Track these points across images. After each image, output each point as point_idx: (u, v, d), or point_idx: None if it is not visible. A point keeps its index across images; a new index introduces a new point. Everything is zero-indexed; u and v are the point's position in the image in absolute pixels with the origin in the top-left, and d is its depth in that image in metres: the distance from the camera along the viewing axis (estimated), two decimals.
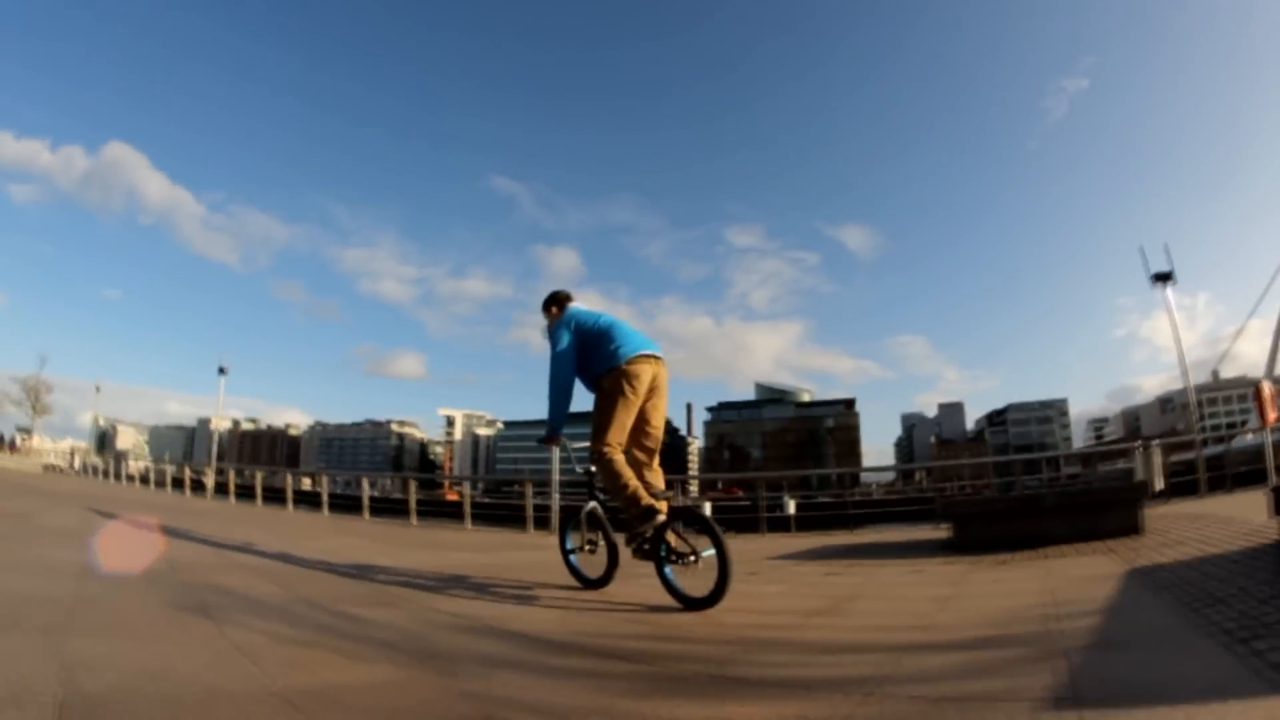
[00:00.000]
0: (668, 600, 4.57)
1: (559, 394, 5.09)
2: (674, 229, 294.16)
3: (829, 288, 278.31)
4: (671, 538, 4.64)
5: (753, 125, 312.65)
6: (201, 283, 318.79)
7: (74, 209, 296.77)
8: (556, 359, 5.06)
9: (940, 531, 9.99)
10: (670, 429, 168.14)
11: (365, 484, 19.81)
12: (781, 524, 19.46)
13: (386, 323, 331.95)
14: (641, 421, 5.01)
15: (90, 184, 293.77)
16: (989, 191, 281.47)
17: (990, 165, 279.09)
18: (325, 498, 18.60)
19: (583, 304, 5.49)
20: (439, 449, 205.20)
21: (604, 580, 5.21)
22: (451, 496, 23.77)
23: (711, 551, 4.38)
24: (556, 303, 5.49)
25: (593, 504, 5.26)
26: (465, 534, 13.47)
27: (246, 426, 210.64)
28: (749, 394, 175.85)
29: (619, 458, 4.82)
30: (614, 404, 4.86)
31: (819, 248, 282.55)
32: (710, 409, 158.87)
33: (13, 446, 54.15)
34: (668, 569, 4.64)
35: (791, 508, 19.68)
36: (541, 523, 14.70)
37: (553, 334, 5.15)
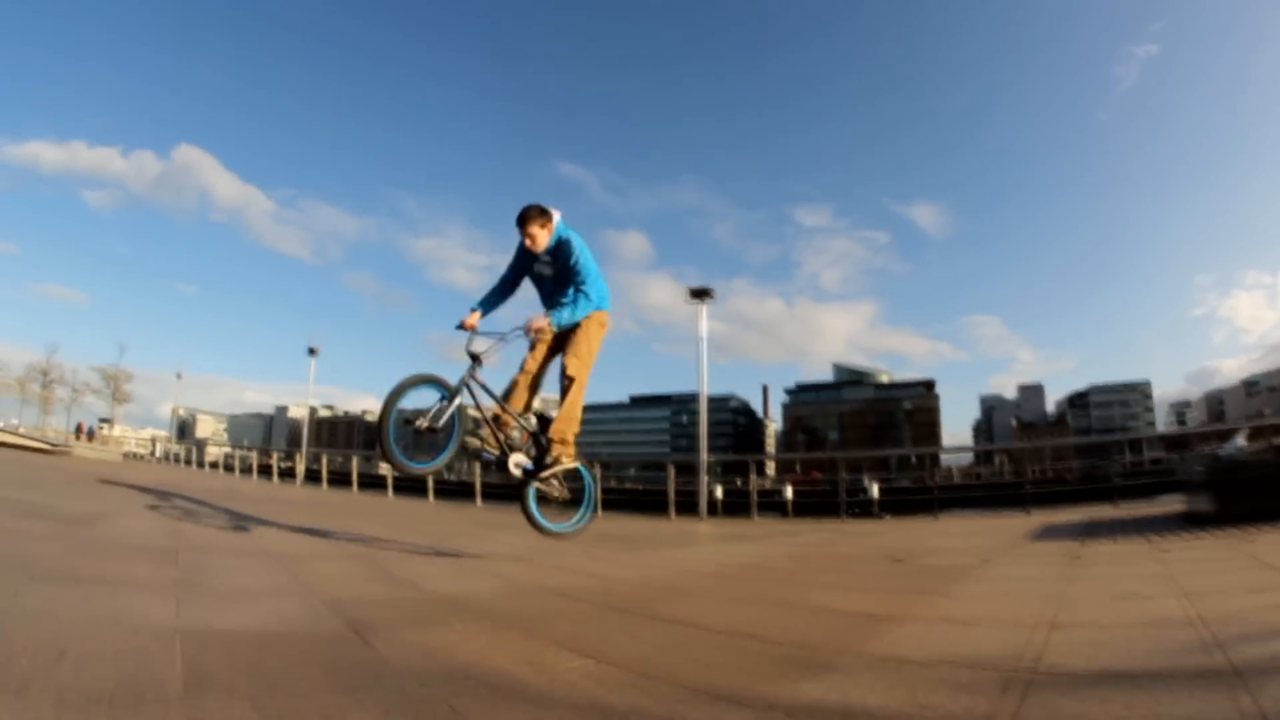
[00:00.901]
0: None
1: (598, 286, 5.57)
2: (741, 210, 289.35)
3: (900, 267, 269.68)
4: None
5: (818, 104, 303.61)
6: (275, 276, 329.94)
7: (147, 210, 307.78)
8: (597, 281, 5.52)
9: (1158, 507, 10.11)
10: (746, 411, 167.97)
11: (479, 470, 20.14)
12: (863, 508, 19.40)
13: (458, 310, 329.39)
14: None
15: (162, 186, 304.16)
16: (1060, 166, 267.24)
17: (1061, 138, 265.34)
18: (431, 483, 19.23)
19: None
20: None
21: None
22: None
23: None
24: (546, 213, 5.54)
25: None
26: (615, 523, 13.42)
27: (324, 414, 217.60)
28: (823, 376, 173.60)
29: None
30: (599, 342, 5.56)
31: (889, 226, 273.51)
32: (788, 391, 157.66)
33: (91, 435, 53.01)
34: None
35: (875, 491, 19.81)
36: (687, 507, 15.44)
37: (580, 246, 5.45)
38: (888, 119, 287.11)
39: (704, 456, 18.37)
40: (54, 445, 21.14)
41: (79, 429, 56.83)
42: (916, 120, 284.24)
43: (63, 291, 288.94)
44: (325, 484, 23.36)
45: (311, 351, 35.50)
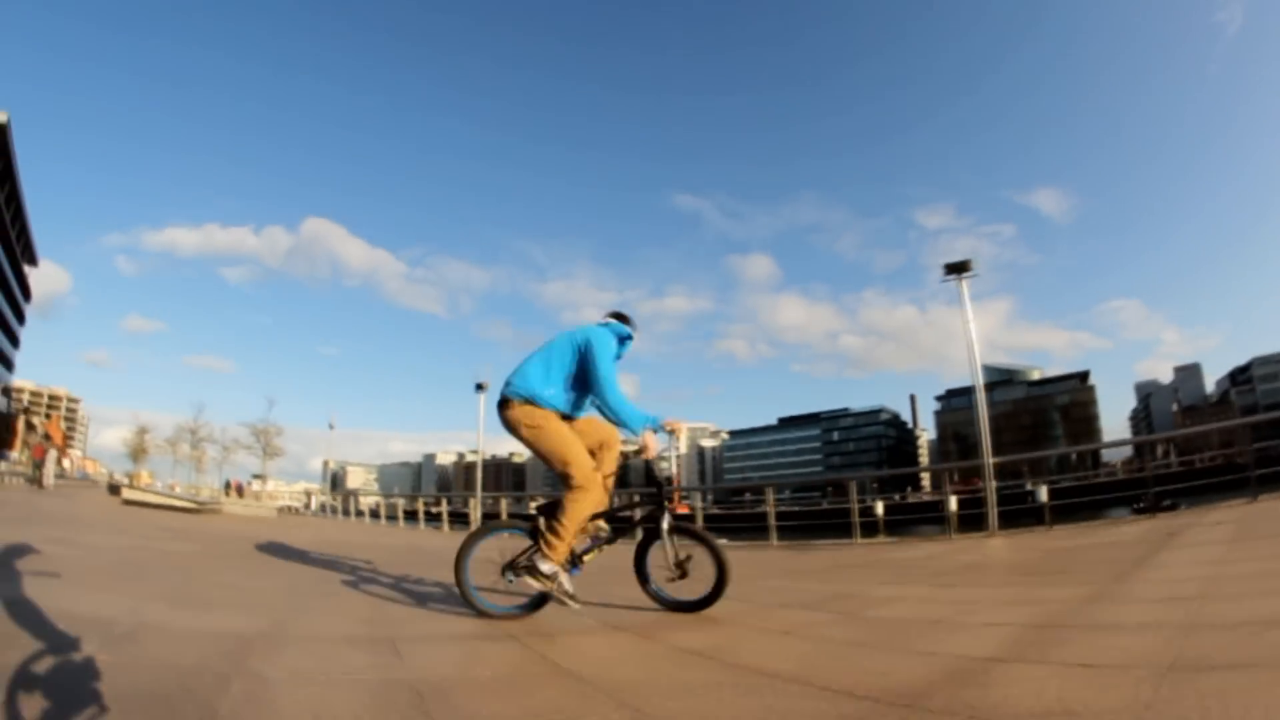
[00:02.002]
0: None
1: (624, 399, 5.04)
2: (861, 219, 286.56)
3: (1029, 259, 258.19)
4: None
5: (920, 100, 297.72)
6: (412, 332, 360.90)
7: (284, 281, 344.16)
8: (609, 372, 4.97)
9: None
10: (897, 423, 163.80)
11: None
12: (1034, 514, 18.43)
13: None
14: None
15: (295, 257, 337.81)
16: (1178, 129, 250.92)
17: (1172, 99, 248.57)
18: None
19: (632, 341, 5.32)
20: (664, 464, 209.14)
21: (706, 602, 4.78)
22: (682, 509, 24.48)
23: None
24: (617, 317, 5.32)
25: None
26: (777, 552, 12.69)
27: (471, 458, 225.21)
28: (964, 381, 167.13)
29: None
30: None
31: (1013, 218, 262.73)
32: (938, 398, 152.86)
33: (241, 491, 53.13)
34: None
35: (1043, 494, 19.34)
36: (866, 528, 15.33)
37: (603, 340, 4.97)
38: (993, 106, 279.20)
39: (989, 460, 16.53)
40: (203, 504, 21.61)
41: (228, 485, 58.06)
42: (1022, 102, 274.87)
43: (212, 361, 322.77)
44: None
45: (479, 388, 36.42)
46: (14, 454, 26.90)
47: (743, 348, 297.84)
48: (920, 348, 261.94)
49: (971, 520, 16.50)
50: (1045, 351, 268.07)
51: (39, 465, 29.00)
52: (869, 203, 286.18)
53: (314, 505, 41.16)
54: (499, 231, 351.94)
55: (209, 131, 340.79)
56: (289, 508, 41.93)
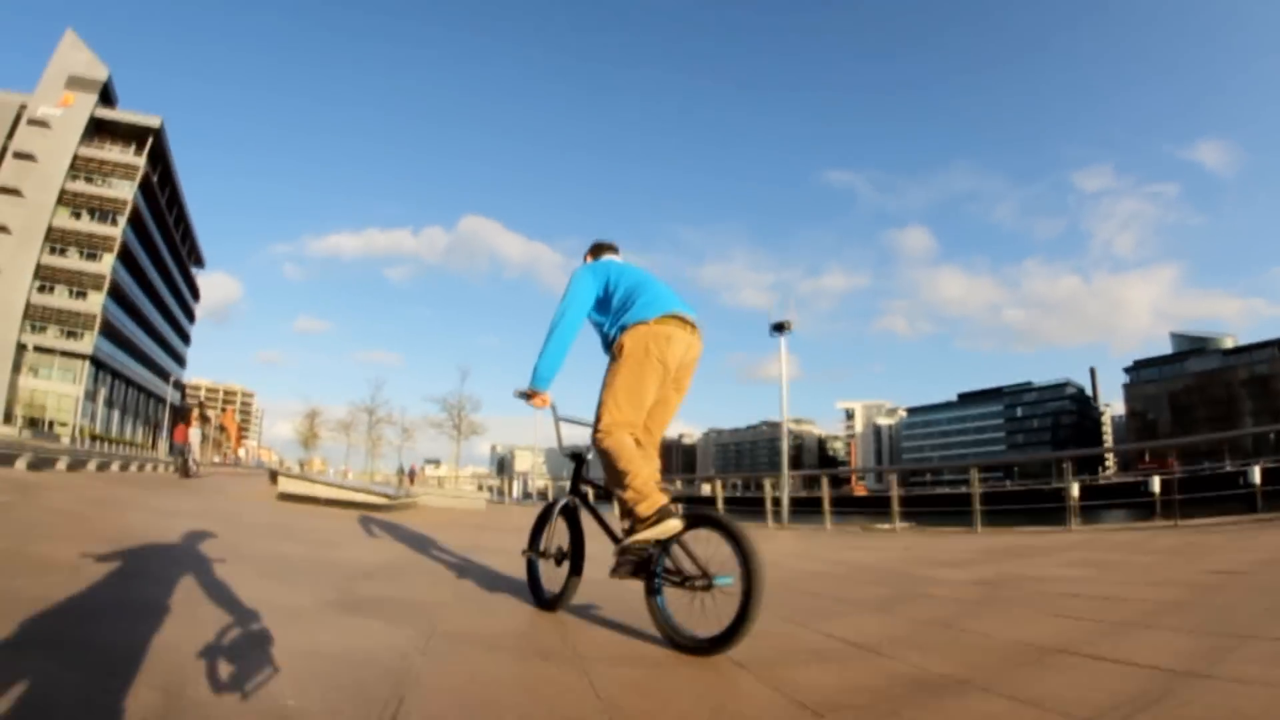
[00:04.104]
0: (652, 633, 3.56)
1: (550, 343, 3.97)
2: (1017, 185, 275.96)
3: (1196, 219, 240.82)
4: (678, 551, 3.51)
5: (1071, 54, 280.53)
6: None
7: (444, 276, 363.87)
8: (566, 299, 4.02)
9: None
10: (1080, 397, 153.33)
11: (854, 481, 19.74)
12: (1245, 500, 16.29)
13: (753, 330, 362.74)
14: (656, 403, 3.91)
15: (454, 254, 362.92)
16: None
17: None
18: (785, 503, 19.06)
19: (624, 259, 4.50)
20: (838, 444, 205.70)
21: (556, 600, 4.21)
22: (859, 491, 22.89)
23: (728, 579, 3.18)
24: (593, 251, 4.56)
25: (573, 497, 4.32)
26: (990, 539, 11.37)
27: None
28: (1133, 354, 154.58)
29: (628, 441, 3.69)
30: (632, 370, 3.76)
31: (1176, 175, 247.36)
32: (1127, 369, 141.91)
33: (412, 476, 49.40)
34: (662, 594, 3.56)
35: (1256, 475, 16.91)
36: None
37: (573, 276, 4.15)
38: (1149, 54, 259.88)
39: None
40: (392, 497, 15.23)
41: (402, 471, 53.60)
42: (1179, 46, 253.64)
43: (380, 355, 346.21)
44: None
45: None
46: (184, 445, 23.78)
47: (902, 324, 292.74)
48: (1086, 319, 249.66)
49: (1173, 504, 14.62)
50: (1217, 320, 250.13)
51: (181, 452, 24.58)
52: (1024, 167, 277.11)
53: (517, 492, 38.17)
54: (654, 219, 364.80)
55: (364, 141, 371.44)
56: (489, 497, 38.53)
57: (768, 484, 19.31)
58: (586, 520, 4.22)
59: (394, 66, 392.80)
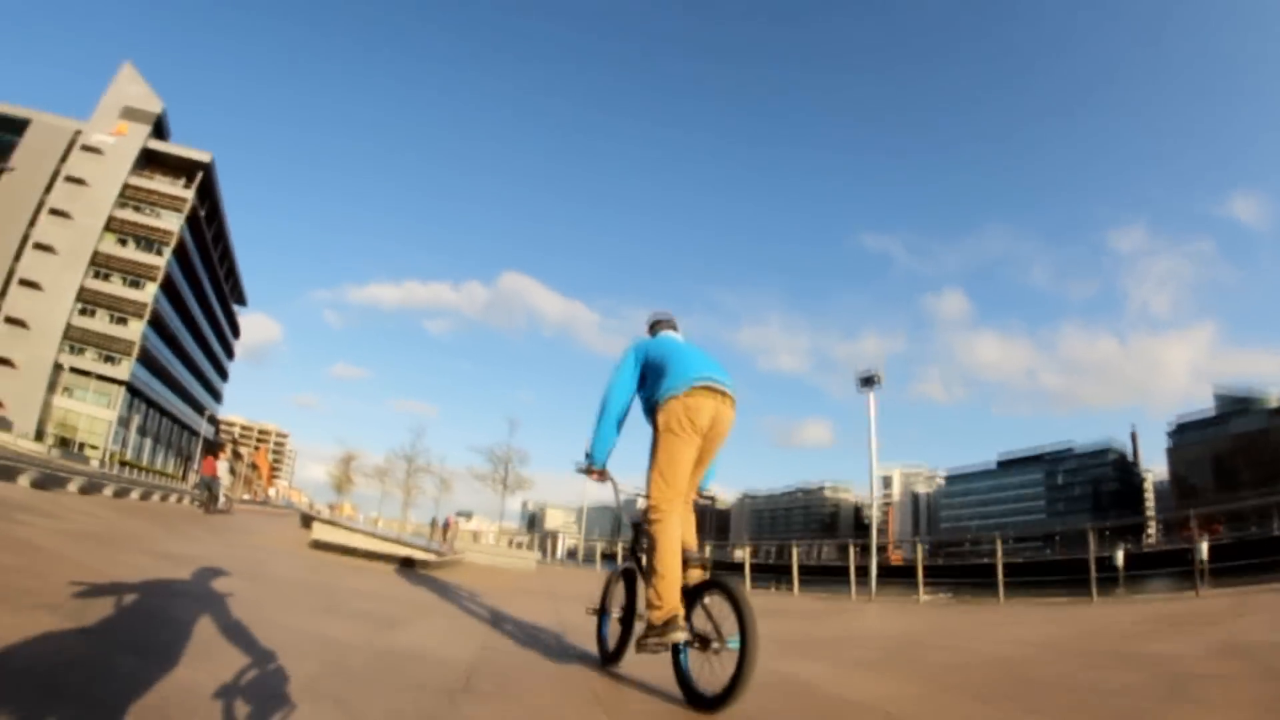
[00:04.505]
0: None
1: (600, 424, 4.36)
2: (1050, 247, 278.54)
3: (1232, 276, 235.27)
4: (698, 616, 3.84)
5: (1101, 112, 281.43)
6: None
7: (482, 332, 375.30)
8: (611, 381, 4.41)
9: None
10: (1120, 463, 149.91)
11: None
12: None
13: (788, 394, 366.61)
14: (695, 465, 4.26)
15: (493, 310, 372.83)
16: None
17: None
18: (874, 574, 18.40)
19: (679, 336, 4.81)
20: (872, 511, 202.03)
21: (614, 657, 4.57)
22: (895, 560, 22.35)
23: (736, 643, 3.46)
24: (650, 328, 4.89)
25: (632, 562, 4.54)
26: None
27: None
28: (1171, 414, 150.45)
29: (669, 532, 3.98)
30: (668, 446, 4.08)
31: (1210, 232, 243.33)
32: (1170, 434, 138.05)
33: (446, 528, 47.40)
34: (685, 654, 3.87)
35: None
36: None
37: (620, 356, 4.53)
38: (1176, 110, 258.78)
39: None
40: (438, 553, 14.07)
41: (444, 524, 50.40)
42: (1208, 103, 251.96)
43: (416, 406, 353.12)
44: None
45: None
46: (211, 477, 21.84)
47: (938, 390, 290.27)
48: (1124, 380, 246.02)
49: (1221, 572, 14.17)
50: (1258, 377, 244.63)
51: (208, 485, 22.74)
52: (1057, 228, 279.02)
53: (560, 551, 38.26)
54: (690, 280, 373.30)
55: (406, 192, 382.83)
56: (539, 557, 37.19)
57: (794, 551, 19.53)
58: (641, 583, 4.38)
59: (437, 117, 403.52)
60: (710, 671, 3.60)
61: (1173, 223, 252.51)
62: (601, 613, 4.85)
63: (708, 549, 21.07)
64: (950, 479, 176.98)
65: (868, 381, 21.13)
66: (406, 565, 12.08)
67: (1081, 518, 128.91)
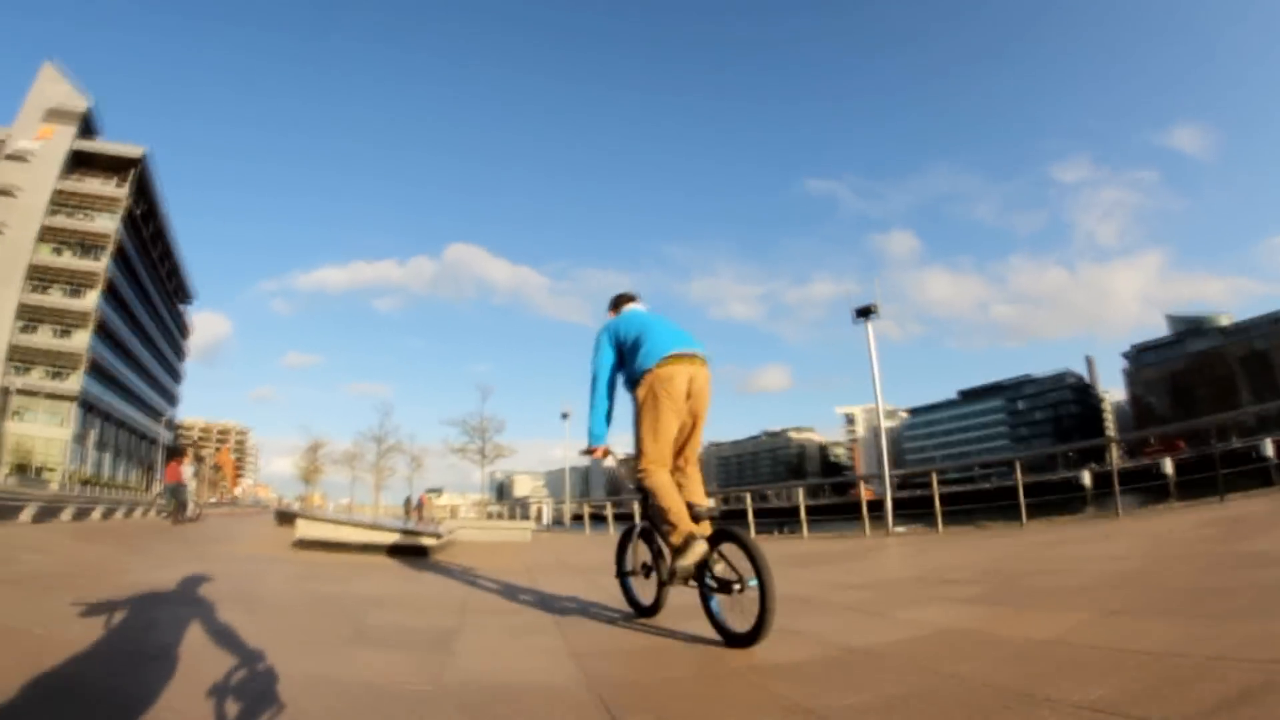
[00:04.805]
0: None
1: (593, 406, 4.86)
2: (995, 182, 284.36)
3: (1177, 204, 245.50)
4: (717, 564, 4.22)
5: (1040, 46, 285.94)
6: (560, 341, 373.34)
7: (432, 305, 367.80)
8: (593, 365, 4.90)
9: None
10: (1079, 387, 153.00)
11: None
12: (1260, 476, 16.07)
13: (743, 342, 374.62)
14: (684, 429, 4.71)
15: (441, 283, 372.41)
16: None
17: None
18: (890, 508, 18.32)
19: (643, 306, 5.29)
20: (840, 450, 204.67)
21: (653, 609, 5.03)
22: (868, 496, 22.63)
23: (755, 581, 3.88)
24: (613, 306, 5.31)
25: (645, 522, 4.94)
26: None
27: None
28: (1123, 341, 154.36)
29: (661, 478, 4.49)
30: (650, 413, 4.54)
31: (1154, 162, 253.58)
32: (1126, 355, 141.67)
33: (420, 508, 46.33)
34: (714, 600, 4.32)
35: (1269, 449, 16.53)
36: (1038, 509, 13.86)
37: (595, 341, 5.00)
38: (1119, 40, 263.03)
39: None
40: (437, 536, 12.35)
41: (417, 503, 49.12)
42: (1147, 31, 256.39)
43: (370, 387, 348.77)
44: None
45: (564, 416, 36.91)
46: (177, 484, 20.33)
47: (892, 328, 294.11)
48: (1075, 310, 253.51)
49: (1192, 486, 14.43)
50: (1204, 303, 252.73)
51: (174, 493, 20.58)
52: (1001, 163, 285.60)
53: (546, 517, 37.47)
54: (639, 237, 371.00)
55: (344, 173, 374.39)
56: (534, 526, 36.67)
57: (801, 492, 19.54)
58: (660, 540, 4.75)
59: (368, 96, 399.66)
60: (740, 611, 4.01)
61: (1117, 153, 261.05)
62: (624, 574, 5.24)
63: (712, 500, 21.26)
64: (914, 412, 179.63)
65: (864, 313, 20.90)
66: (405, 554, 11.34)
67: (1044, 442, 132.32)
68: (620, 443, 4.98)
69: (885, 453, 20.55)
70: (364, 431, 72.27)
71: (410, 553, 11.37)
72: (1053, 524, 12.88)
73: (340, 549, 11.51)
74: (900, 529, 15.42)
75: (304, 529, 12.36)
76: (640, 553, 5.09)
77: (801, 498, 19.06)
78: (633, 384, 4.68)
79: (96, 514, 18.80)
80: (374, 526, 12.94)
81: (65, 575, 7.06)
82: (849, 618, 5.12)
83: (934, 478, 14.23)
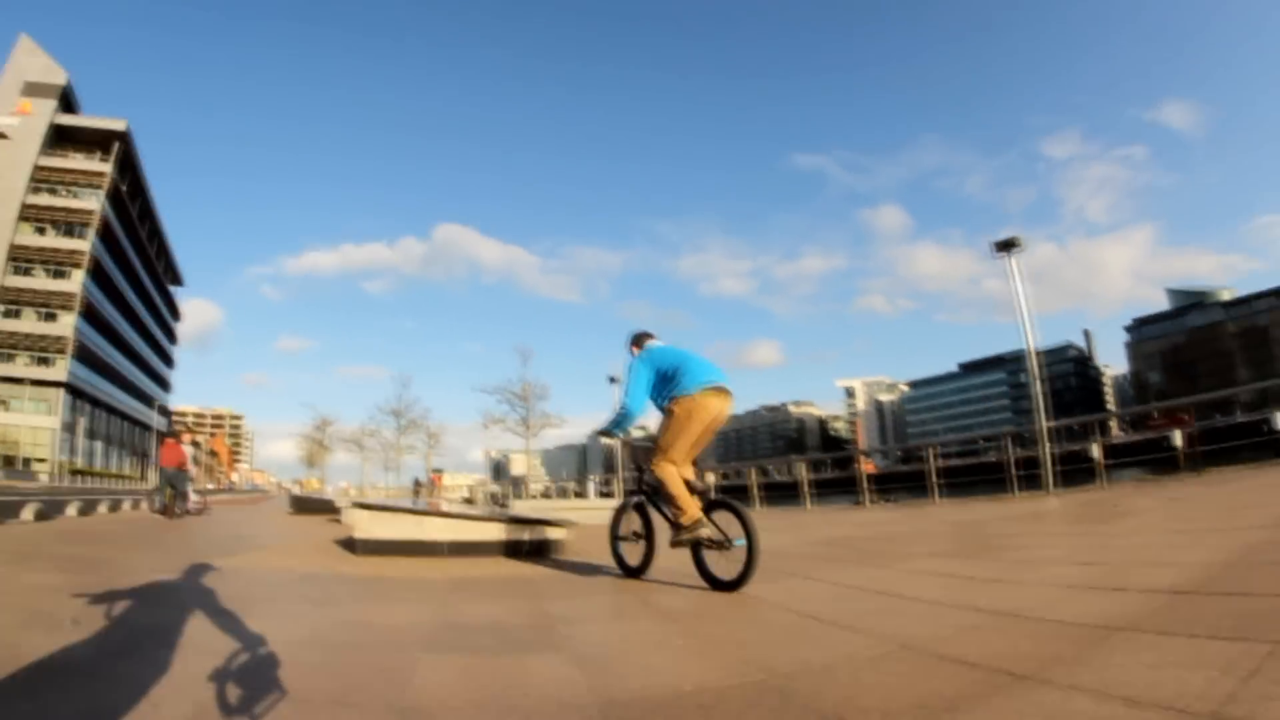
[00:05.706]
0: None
1: (623, 418, 5.96)
2: (986, 158, 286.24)
3: (1167, 180, 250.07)
4: (705, 529, 5.38)
5: (1030, 22, 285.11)
6: (554, 320, 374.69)
7: (423, 287, 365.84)
8: (631, 391, 5.80)
9: None
10: (1081, 361, 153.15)
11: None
12: (1270, 448, 16.74)
13: (733, 317, 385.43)
14: (696, 443, 5.76)
15: (431, 263, 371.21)
16: None
17: None
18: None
19: (660, 342, 6.20)
20: (839, 424, 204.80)
21: (640, 569, 6.03)
22: (869, 469, 22.54)
23: (743, 541, 5.12)
24: (637, 342, 6.23)
25: (641, 498, 6.09)
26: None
27: (637, 433, 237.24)
28: (1114, 316, 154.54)
29: (668, 471, 5.55)
30: (681, 428, 5.56)
31: (1143, 138, 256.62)
32: (1128, 328, 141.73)
33: (431, 487, 45.85)
34: (703, 554, 5.50)
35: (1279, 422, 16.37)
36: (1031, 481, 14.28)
37: (632, 366, 5.93)
38: (1110, 16, 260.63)
39: None
40: (559, 524, 8.95)
41: (418, 484, 48.91)
42: (1137, 9, 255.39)
43: (364, 370, 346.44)
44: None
45: (613, 380, 36.02)
46: (177, 470, 17.96)
47: (882, 302, 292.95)
48: (1065, 285, 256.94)
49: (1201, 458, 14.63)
50: (1195, 278, 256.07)
51: (171, 481, 16.55)
52: (990, 139, 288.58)
53: (591, 492, 37.23)
54: (628, 214, 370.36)
55: (331, 156, 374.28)
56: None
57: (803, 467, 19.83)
58: (652, 511, 5.98)
59: (352, 78, 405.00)
60: (726, 563, 5.23)
61: (1106, 129, 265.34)
62: (616, 539, 6.30)
63: (709, 476, 21.25)
64: (914, 385, 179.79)
65: (1005, 246, 19.74)
66: (521, 554, 8.33)
67: (1047, 415, 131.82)
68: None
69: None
70: (381, 406, 62.68)
71: (524, 551, 8.39)
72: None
73: (418, 551, 8.12)
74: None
75: (366, 524, 8.44)
76: (632, 522, 6.18)
77: (804, 472, 19.39)
78: (669, 400, 5.64)
79: (71, 509, 14.59)
80: (468, 516, 9.33)
81: None
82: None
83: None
